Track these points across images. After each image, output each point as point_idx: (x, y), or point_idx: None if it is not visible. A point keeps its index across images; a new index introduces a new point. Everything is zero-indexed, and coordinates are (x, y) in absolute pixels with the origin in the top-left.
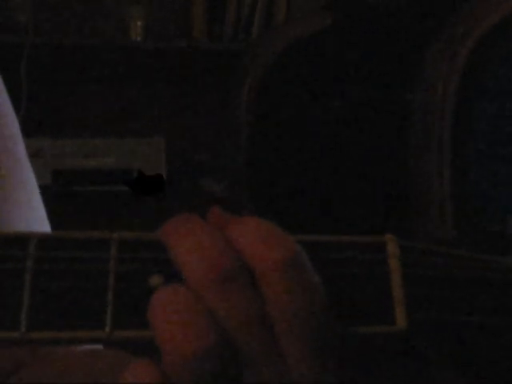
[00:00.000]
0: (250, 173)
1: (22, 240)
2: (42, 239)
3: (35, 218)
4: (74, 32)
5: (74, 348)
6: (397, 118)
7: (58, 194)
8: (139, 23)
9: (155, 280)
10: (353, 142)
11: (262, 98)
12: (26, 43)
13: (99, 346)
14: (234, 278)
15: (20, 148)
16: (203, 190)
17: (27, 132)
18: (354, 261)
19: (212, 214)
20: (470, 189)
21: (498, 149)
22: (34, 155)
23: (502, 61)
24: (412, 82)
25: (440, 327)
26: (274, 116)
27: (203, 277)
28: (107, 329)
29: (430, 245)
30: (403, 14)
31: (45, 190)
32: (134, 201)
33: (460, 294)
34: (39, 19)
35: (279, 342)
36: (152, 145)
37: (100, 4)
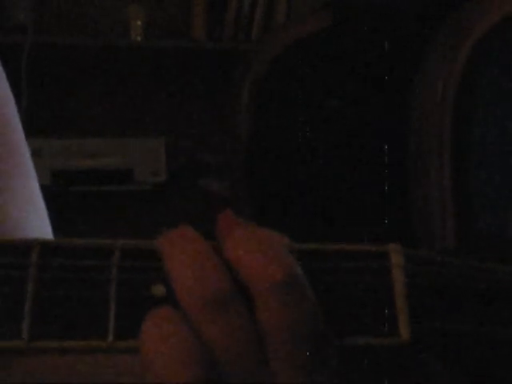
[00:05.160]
0: (249, 173)
1: (24, 247)
2: (45, 247)
3: (35, 210)
4: (74, 32)
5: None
6: (396, 118)
7: (58, 193)
8: (139, 23)
9: (158, 289)
10: (352, 142)
11: (262, 98)
12: (26, 43)
13: None
14: (226, 302)
15: (18, 137)
16: (203, 190)
17: (27, 132)
18: (357, 270)
19: (223, 217)
20: (470, 190)
21: (499, 149)
22: (33, 155)
23: (502, 61)
24: (412, 81)
25: (444, 338)
26: (273, 116)
27: (194, 299)
28: (110, 338)
29: (434, 254)
30: (403, 14)
31: (45, 190)
32: (133, 201)
33: (464, 304)
34: (39, 19)
35: (272, 367)
36: (152, 145)
37: (100, 4)
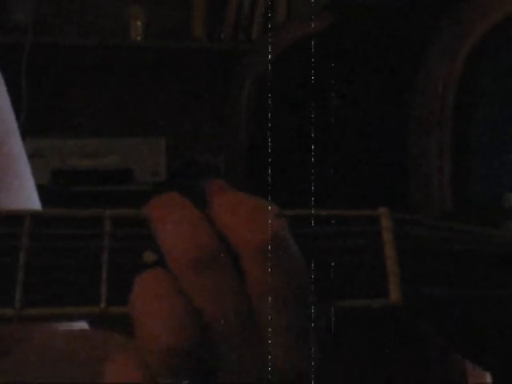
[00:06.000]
0: (249, 173)
1: (16, 218)
2: (37, 217)
3: None
4: (74, 32)
5: (59, 329)
6: (396, 118)
7: (58, 194)
8: (139, 23)
9: (149, 256)
10: (352, 141)
11: (262, 98)
12: (26, 43)
13: (85, 326)
14: (213, 262)
15: (15, 144)
16: (203, 190)
17: (27, 132)
18: (348, 234)
19: (213, 183)
20: (470, 190)
21: (499, 149)
22: (33, 155)
23: (503, 61)
24: (412, 81)
25: (434, 300)
26: (273, 116)
27: (181, 259)
28: (102, 305)
29: (424, 217)
30: (403, 14)
31: (45, 190)
32: (133, 201)
33: (454, 266)
34: (39, 19)
35: (259, 327)
36: (152, 145)
37: (100, 4)
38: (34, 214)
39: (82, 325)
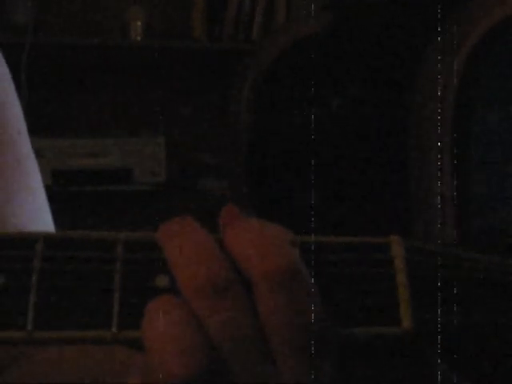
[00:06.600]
0: (249, 173)
1: (29, 240)
2: (49, 239)
3: (39, 219)
4: (74, 32)
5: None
6: (396, 118)
7: (58, 193)
8: (139, 23)
9: (162, 280)
10: (352, 142)
11: (262, 98)
12: (26, 43)
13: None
14: (226, 289)
15: (24, 145)
16: (203, 190)
17: (27, 132)
18: (359, 262)
19: (225, 211)
20: (470, 189)
21: (499, 148)
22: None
23: (502, 61)
24: (412, 81)
25: (445, 328)
26: (274, 116)
27: (194, 286)
28: (114, 329)
29: (435, 245)
30: (403, 14)
31: (45, 190)
32: (133, 201)
33: (465, 294)
34: (39, 19)
35: (273, 355)
36: (152, 145)
37: (100, 4)
38: (46, 237)
39: None
